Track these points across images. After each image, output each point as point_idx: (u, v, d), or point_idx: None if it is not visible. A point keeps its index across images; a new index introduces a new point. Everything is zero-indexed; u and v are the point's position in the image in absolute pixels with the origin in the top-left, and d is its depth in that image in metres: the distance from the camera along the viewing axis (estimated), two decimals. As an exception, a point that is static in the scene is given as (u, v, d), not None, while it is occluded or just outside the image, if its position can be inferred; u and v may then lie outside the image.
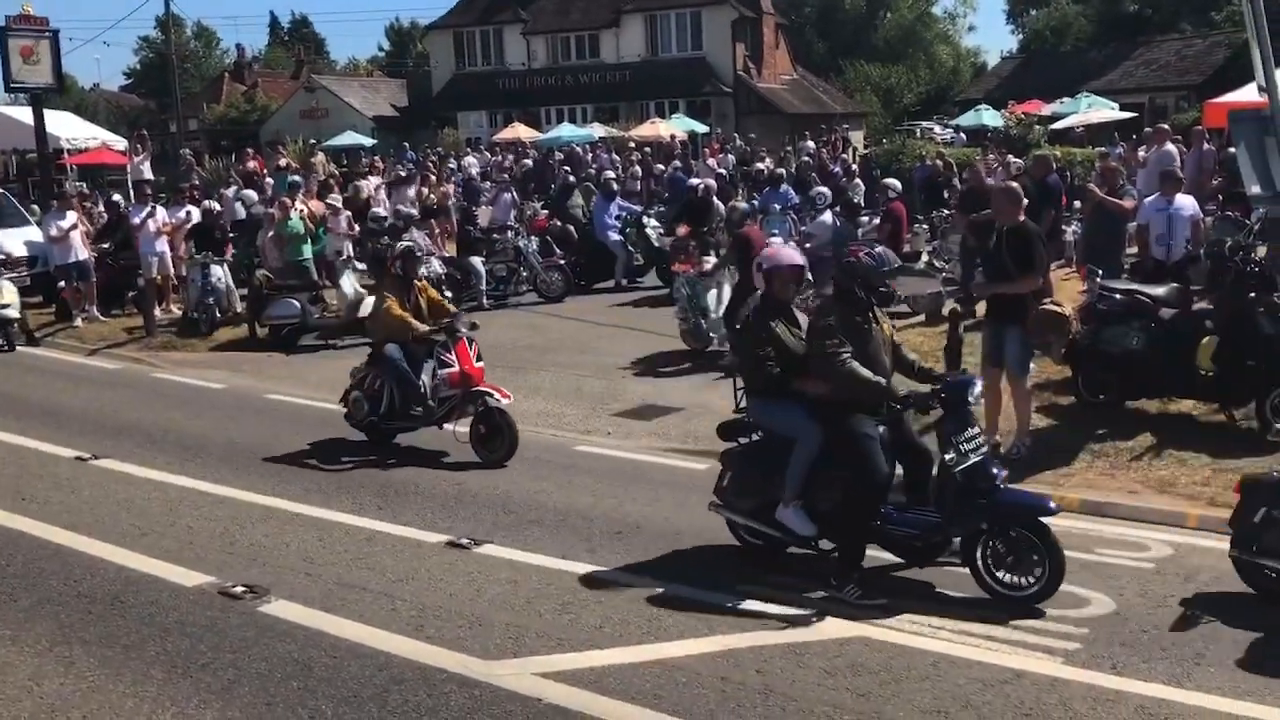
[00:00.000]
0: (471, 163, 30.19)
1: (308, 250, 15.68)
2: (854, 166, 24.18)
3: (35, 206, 20.57)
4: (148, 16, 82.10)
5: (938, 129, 41.60)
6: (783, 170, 20.67)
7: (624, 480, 8.61)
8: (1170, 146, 16.65)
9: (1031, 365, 8.90)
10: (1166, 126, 18.45)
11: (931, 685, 5.23)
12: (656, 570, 6.72)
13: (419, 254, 10.19)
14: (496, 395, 9.08)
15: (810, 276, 13.07)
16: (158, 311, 15.78)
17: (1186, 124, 23.47)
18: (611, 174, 21.21)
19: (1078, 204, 15.86)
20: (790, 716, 5.00)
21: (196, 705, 5.17)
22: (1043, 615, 5.94)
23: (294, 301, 14.48)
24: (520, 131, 37.69)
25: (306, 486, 8.61)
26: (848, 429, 6.28)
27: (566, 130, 37.19)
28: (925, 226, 17.47)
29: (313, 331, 14.62)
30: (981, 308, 9.49)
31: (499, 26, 47.87)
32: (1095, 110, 29.98)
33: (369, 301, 14.62)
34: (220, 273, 15.23)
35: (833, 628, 5.87)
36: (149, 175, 21.41)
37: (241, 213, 19.25)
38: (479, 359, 9.35)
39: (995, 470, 6.26)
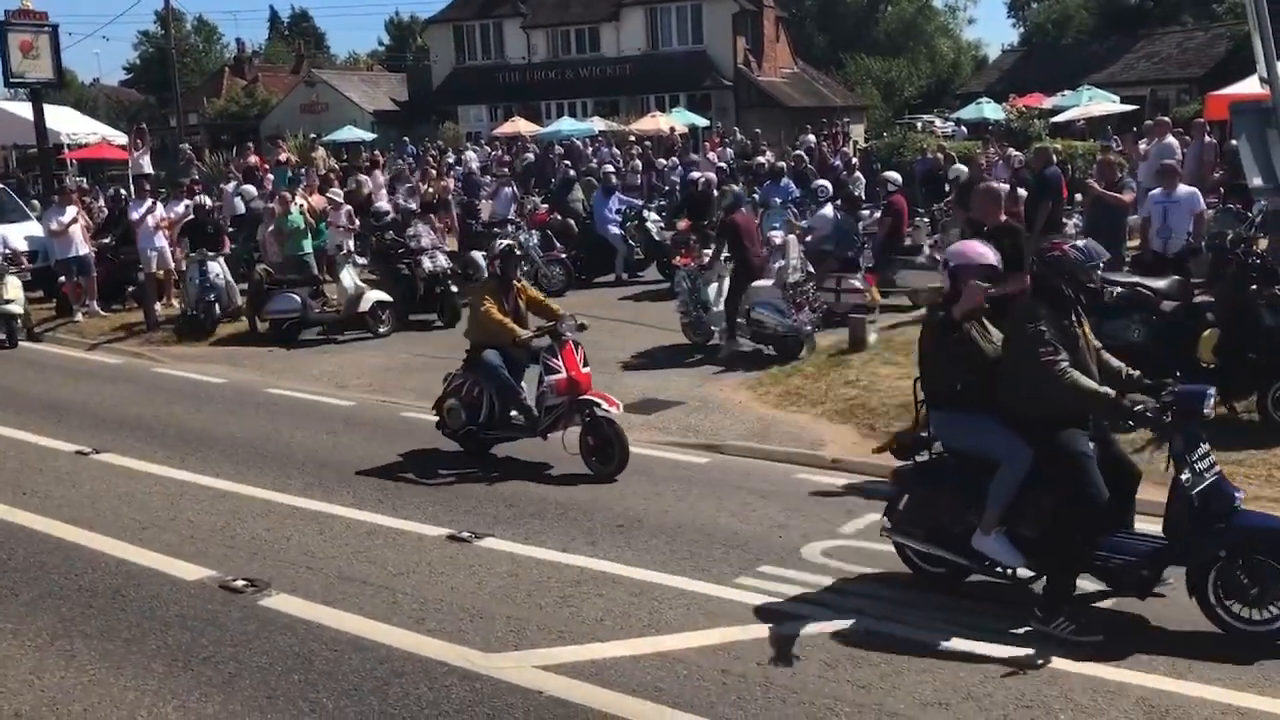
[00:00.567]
0: (472, 157, 30.17)
1: (308, 245, 15.65)
2: (854, 160, 24.12)
3: (35, 201, 20.55)
4: (147, 11, 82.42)
5: (938, 122, 41.58)
6: (783, 164, 20.65)
7: (625, 473, 8.58)
8: (1171, 139, 16.62)
9: None
10: (1167, 119, 18.41)
11: (932, 678, 5.23)
12: (657, 563, 6.72)
13: (519, 252, 9.63)
14: (605, 404, 8.52)
15: (811, 269, 13.14)
16: (158, 306, 15.78)
17: (1188, 116, 23.41)
18: (611, 168, 21.19)
19: (1079, 196, 15.83)
20: (791, 708, 5.00)
21: (198, 699, 5.18)
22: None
23: (294, 296, 14.47)
24: (520, 125, 37.66)
25: (307, 480, 8.61)
26: (1061, 447, 5.62)
27: (567, 124, 37.18)
28: (926, 220, 17.45)
29: (314, 326, 14.62)
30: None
31: (499, 20, 47.82)
32: (1096, 103, 29.97)
33: (369, 295, 14.66)
34: (218, 269, 15.16)
35: (833, 620, 5.86)
36: (149, 170, 21.39)
37: (241, 207, 19.25)
38: (585, 364, 8.83)
39: (1233, 491, 5.65)
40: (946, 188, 18.78)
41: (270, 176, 21.17)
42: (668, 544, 7.06)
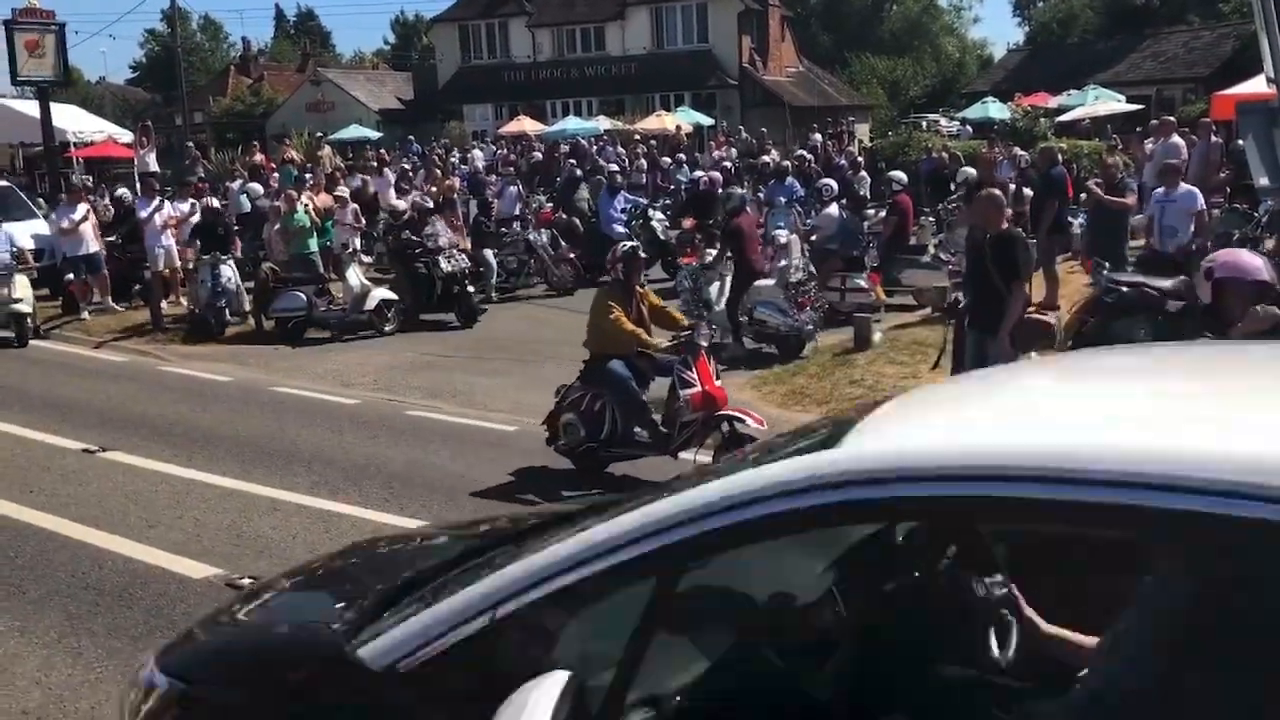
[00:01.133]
0: (478, 155, 30.20)
1: (314, 243, 15.69)
2: (859, 159, 24.12)
3: (42, 200, 20.61)
4: (154, 10, 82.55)
5: (943, 122, 41.53)
6: (788, 163, 20.66)
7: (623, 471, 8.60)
8: (1176, 139, 16.61)
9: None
10: (1172, 119, 18.39)
11: (937, 677, 5.22)
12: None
13: (643, 256, 9.01)
14: (748, 420, 7.94)
15: (813, 270, 13.15)
16: (164, 304, 15.82)
17: (1194, 116, 23.38)
18: (616, 167, 21.21)
19: (1084, 196, 15.84)
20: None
21: (204, 696, 5.19)
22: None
23: (300, 294, 14.50)
24: (526, 124, 37.67)
25: (313, 479, 8.63)
26: None
27: (572, 123, 37.16)
28: (931, 219, 17.46)
29: (320, 325, 14.64)
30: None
31: (504, 19, 47.82)
32: (1102, 102, 29.94)
33: (375, 294, 14.68)
34: (230, 272, 15.08)
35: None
36: (154, 168, 21.44)
37: (247, 206, 19.29)
38: (717, 376, 8.35)
39: None
40: (952, 187, 18.78)
41: (276, 175, 21.22)
42: (673, 543, 7.05)
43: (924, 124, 38.38)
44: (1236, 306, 5.48)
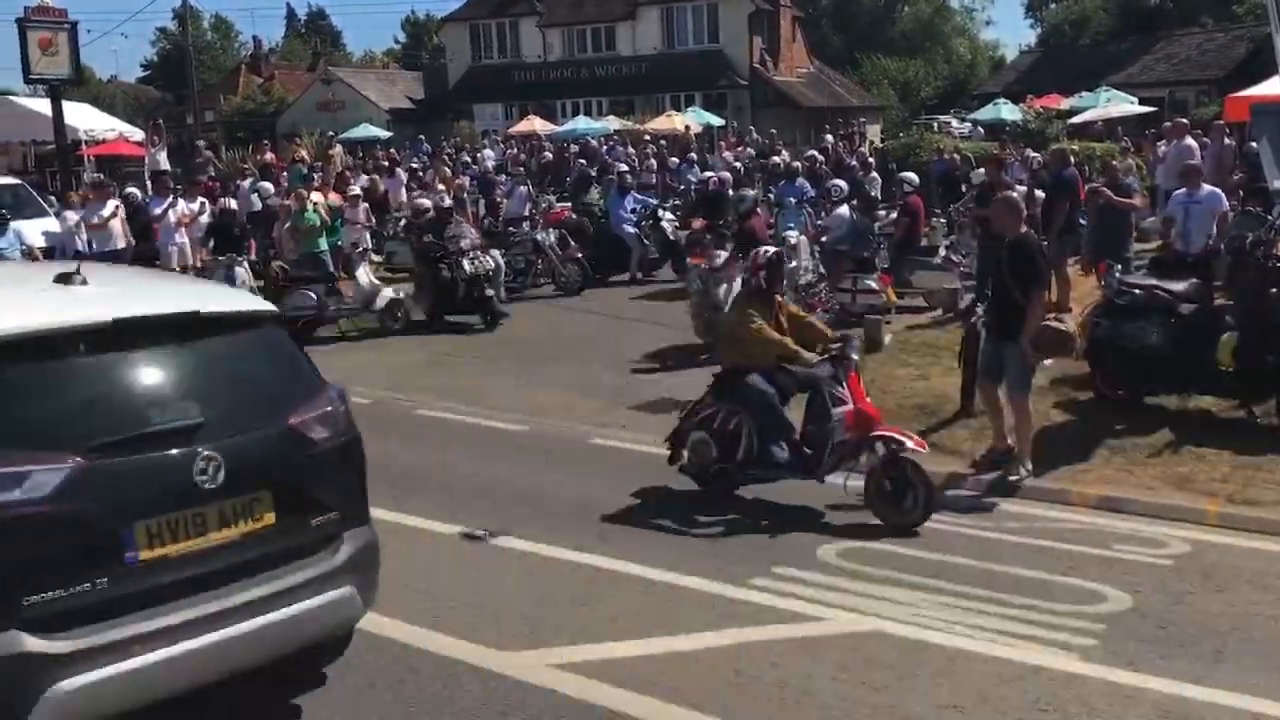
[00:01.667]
0: (489, 155, 30.25)
1: (324, 242, 15.70)
2: (870, 160, 24.08)
3: (53, 198, 20.66)
4: (165, 8, 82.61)
5: (955, 123, 41.46)
6: (798, 164, 20.64)
7: (639, 473, 8.59)
8: (1190, 141, 16.55)
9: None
10: (1185, 120, 18.32)
11: (947, 680, 5.21)
12: (671, 563, 6.71)
13: (786, 262, 8.45)
14: (908, 442, 7.34)
15: (823, 270, 13.13)
16: (175, 303, 15.85)
17: (1207, 118, 23.29)
18: (625, 167, 21.21)
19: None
20: (805, 710, 4.99)
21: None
22: (1060, 611, 5.91)
23: (310, 293, 14.50)
24: (536, 124, 37.73)
25: (322, 477, 8.61)
26: None
27: (582, 123, 37.21)
28: (943, 221, 17.42)
29: (329, 323, 14.63)
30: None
31: (515, 19, 47.91)
32: (1114, 104, 29.85)
33: (385, 293, 14.68)
34: (244, 274, 14.92)
35: (847, 622, 5.86)
36: (165, 166, 21.52)
37: (258, 204, 19.33)
38: (867, 392, 7.83)
39: None
40: (963, 189, 18.74)
41: (286, 174, 21.27)
42: (682, 544, 7.05)
43: (935, 125, 38.30)
44: None
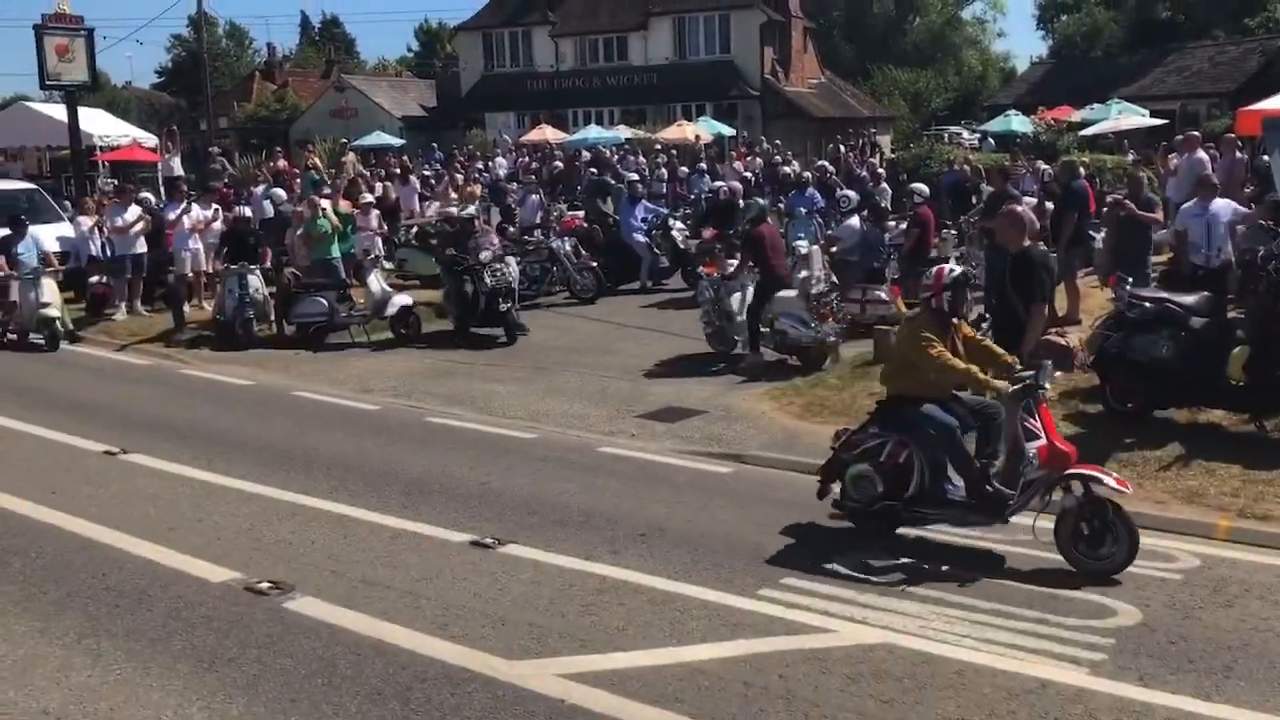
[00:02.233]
0: (501, 164, 30.33)
1: (336, 249, 15.74)
2: (881, 171, 24.07)
3: (67, 203, 20.78)
4: (180, 15, 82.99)
5: (965, 134, 41.40)
6: (809, 174, 20.64)
7: (647, 482, 8.61)
8: (1201, 153, 16.51)
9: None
10: (1197, 134, 18.28)
11: (955, 694, 5.20)
12: (679, 573, 6.71)
13: (971, 282, 7.64)
14: (1108, 480, 6.67)
15: (835, 279, 13.11)
16: (187, 308, 15.91)
17: (1219, 131, 23.23)
18: (636, 176, 21.24)
19: (1105, 211, 15.75)
20: (813, 722, 4.98)
21: (222, 700, 5.21)
22: (1069, 625, 5.90)
23: (322, 300, 14.55)
24: (547, 133, 37.81)
25: (332, 484, 8.66)
26: None
27: (593, 132, 37.27)
28: (953, 232, 17.40)
29: (341, 330, 14.67)
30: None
31: (527, 28, 48.05)
32: (1126, 117, 29.75)
33: (396, 300, 14.71)
34: (257, 283, 14.90)
35: (856, 634, 5.85)
36: (179, 171, 21.64)
37: (270, 211, 19.40)
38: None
39: None
40: (974, 200, 18.72)
41: (299, 180, 21.35)
42: (690, 554, 7.05)
43: (946, 136, 38.26)
44: None
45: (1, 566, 6.96)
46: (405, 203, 22.10)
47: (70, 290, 17.10)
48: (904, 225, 15.88)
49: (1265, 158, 13.89)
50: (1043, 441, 6.83)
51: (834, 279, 12.97)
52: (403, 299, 14.90)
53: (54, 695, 5.30)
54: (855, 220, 14.91)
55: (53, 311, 14.70)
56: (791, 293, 12.18)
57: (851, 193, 17.27)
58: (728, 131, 38.30)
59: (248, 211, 16.87)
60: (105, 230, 16.82)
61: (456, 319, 14.67)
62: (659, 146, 30.96)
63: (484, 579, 6.68)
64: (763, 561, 6.89)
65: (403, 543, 7.35)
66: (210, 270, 16.33)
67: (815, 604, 6.24)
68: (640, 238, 18.11)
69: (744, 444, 9.60)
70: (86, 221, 17.25)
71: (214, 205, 17.29)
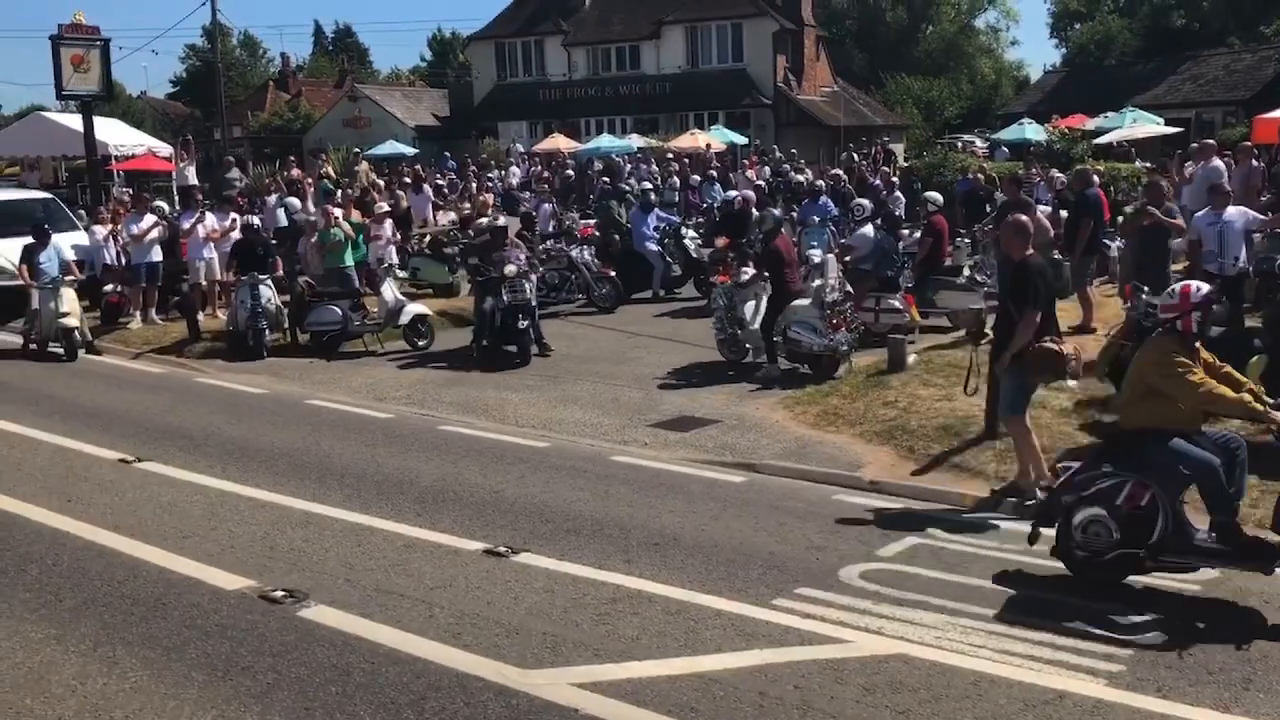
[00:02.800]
0: (514, 172, 30.41)
1: (349, 257, 15.78)
2: (895, 179, 24.05)
3: (83, 212, 20.89)
4: (195, 26, 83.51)
5: (979, 142, 41.32)
6: (822, 183, 20.63)
7: (660, 491, 8.59)
8: (1218, 161, 16.44)
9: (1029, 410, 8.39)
10: (1213, 141, 18.21)
11: (972, 705, 5.17)
12: (693, 582, 6.70)
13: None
14: None
15: (850, 289, 13.08)
16: (201, 316, 15.97)
17: (1234, 140, 23.15)
18: (649, 185, 21.26)
19: (1120, 220, 15.69)
20: (828, 733, 4.96)
21: (236, 708, 5.21)
22: (1087, 636, 5.86)
23: (335, 308, 14.59)
24: (560, 142, 37.88)
25: (346, 492, 8.67)
26: None
27: (606, 141, 37.32)
28: (967, 240, 17.36)
29: (354, 338, 14.69)
30: None
31: (540, 37, 48.15)
32: (1140, 125, 29.66)
33: (409, 308, 14.74)
34: (269, 294, 14.86)
35: (871, 644, 5.82)
36: (194, 181, 21.74)
37: (284, 219, 19.46)
38: None
39: None
40: (987, 208, 18.68)
41: (313, 189, 21.43)
42: (704, 563, 7.03)
43: (959, 144, 38.19)
44: None
45: (18, 574, 6.99)
46: (419, 212, 22.17)
47: (85, 299, 17.18)
48: (918, 234, 15.85)
49: (1281, 166, 13.85)
50: None
51: (849, 288, 12.94)
52: (416, 307, 14.93)
53: (70, 703, 5.31)
54: (869, 229, 14.87)
55: (72, 321, 14.74)
56: (805, 301, 12.16)
57: (865, 201, 17.21)
58: (740, 140, 38.31)
59: (256, 221, 16.93)
60: (120, 239, 16.89)
61: (474, 333, 14.15)
62: (670, 155, 30.99)
63: (497, 588, 6.67)
64: (777, 571, 6.87)
65: (416, 551, 7.34)
66: (223, 280, 16.38)
67: (830, 614, 6.21)
68: (653, 246, 18.12)
69: (757, 453, 9.58)
70: (101, 231, 17.33)
71: (232, 215, 17.33)
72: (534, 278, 14.52)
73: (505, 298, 13.63)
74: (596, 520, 7.92)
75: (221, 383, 13.23)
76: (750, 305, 12.78)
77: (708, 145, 34.16)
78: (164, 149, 26.32)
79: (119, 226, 17.11)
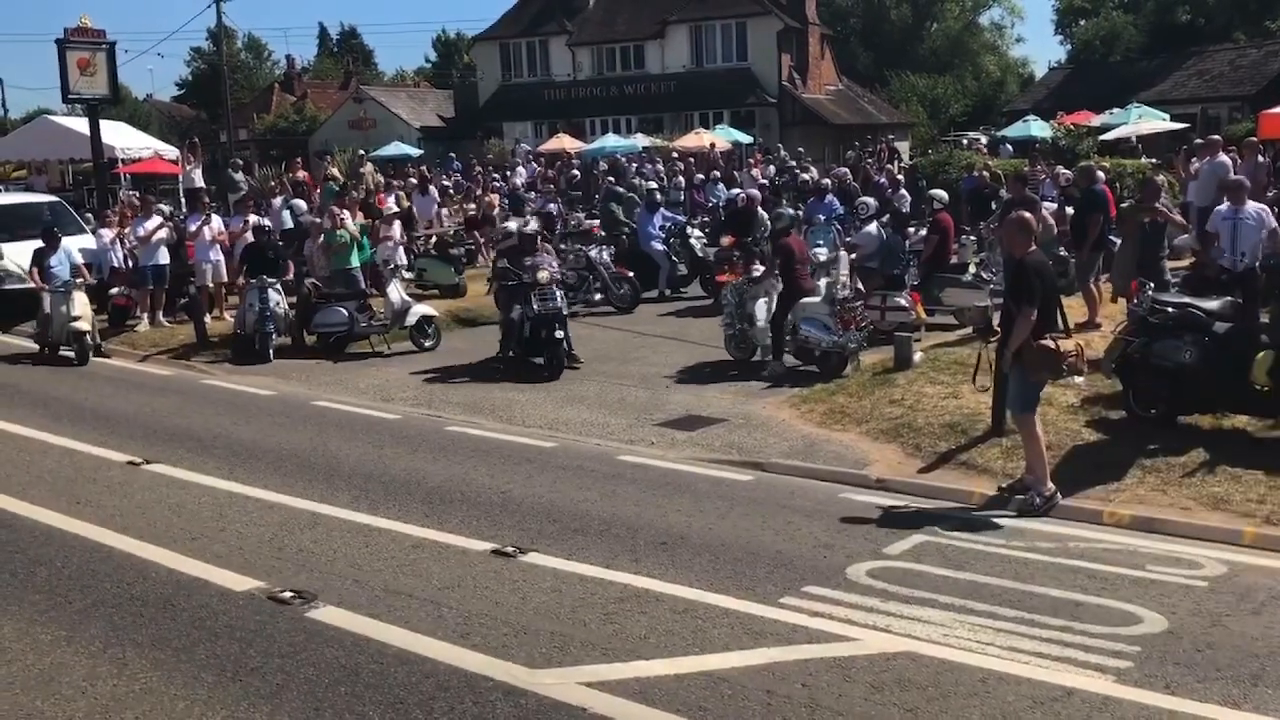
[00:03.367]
0: (520, 173, 30.43)
1: (355, 259, 15.81)
2: (900, 177, 24.01)
3: (90, 215, 20.94)
4: (200, 28, 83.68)
5: (983, 139, 41.25)
6: (827, 181, 20.61)
7: (668, 490, 8.60)
8: (1224, 157, 16.40)
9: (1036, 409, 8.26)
10: (1218, 137, 18.17)
11: (980, 702, 5.17)
12: (701, 581, 6.70)
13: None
14: None
15: (860, 286, 13.11)
16: (208, 318, 16.01)
17: (1240, 135, 23.08)
18: (655, 184, 21.27)
19: (1123, 216, 15.65)
20: (836, 731, 4.96)
21: (246, 709, 5.23)
22: (1095, 633, 5.86)
23: (342, 310, 14.61)
24: (565, 142, 37.91)
25: (354, 493, 8.69)
26: None
27: (611, 141, 37.33)
28: (973, 238, 17.34)
29: (361, 339, 14.71)
30: None
31: (544, 38, 48.21)
32: (1146, 121, 29.62)
33: (415, 310, 14.76)
34: (278, 298, 14.83)
35: (879, 642, 5.82)
36: (200, 183, 21.77)
37: (289, 222, 19.49)
38: None
39: None
40: (993, 205, 18.65)
41: (319, 191, 21.46)
42: (711, 562, 7.04)
43: (964, 142, 38.15)
44: None
45: (27, 576, 7.02)
46: (423, 213, 22.20)
47: (93, 302, 17.21)
48: (923, 232, 15.83)
49: (1288, 161, 13.81)
50: None
51: (859, 286, 12.93)
52: (422, 308, 14.96)
53: (80, 704, 5.33)
54: (874, 227, 14.87)
55: (83, 325, 14.74)
56: (815, 299, 12.16)
57: (870, 199, 17.20)
58: (745, 139, 38.31)
59: (266, 223, 16.94)
60: (128, 242, 16.93)
61: (500, 343, 13.44)
62: (675, 155, 31.01)
63: (505, 587, 6.68)
64: (784, 570, 6.87)
65: (424, 551, 7.36)
66: (230, 282, 16.42)
67: (838, 612, 6.21)
68: (658, 246, 18.14)
69: (764, 452, 9.59)
70: (108, 234, 17.37)
71: (246, 217, 17.37)
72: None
73: (535, 306, 12.92)
74: (604, 520, 7.93)
75: (229, 384, 13.27)
76: (761, 303, 12.78)
77: (712, 144, 34.16)
78: (170, 152, 26.37)
79: (126, 230, 17.15)
